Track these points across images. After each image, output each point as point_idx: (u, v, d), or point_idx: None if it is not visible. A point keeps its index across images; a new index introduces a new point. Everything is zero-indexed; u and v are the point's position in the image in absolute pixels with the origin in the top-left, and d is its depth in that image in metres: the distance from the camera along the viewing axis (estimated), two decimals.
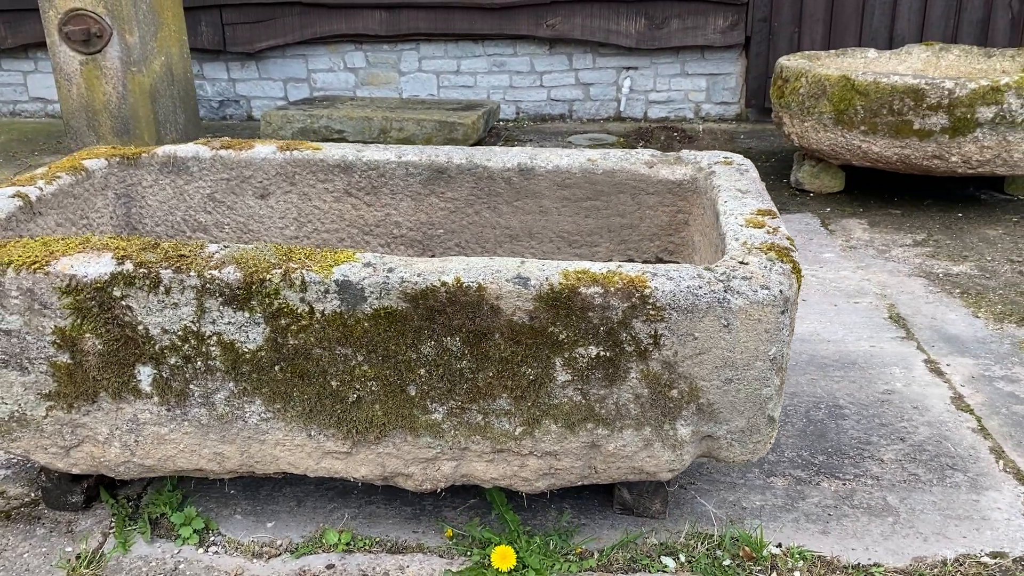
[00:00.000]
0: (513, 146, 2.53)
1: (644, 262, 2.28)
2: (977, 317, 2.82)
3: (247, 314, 1.58)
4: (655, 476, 1.67)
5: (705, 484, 1.99)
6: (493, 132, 5.37)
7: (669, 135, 5.30)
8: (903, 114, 3.58)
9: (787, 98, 4.02)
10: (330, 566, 1.76)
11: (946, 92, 3.48)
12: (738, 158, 2.18)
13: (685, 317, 1.51)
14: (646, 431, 1.61)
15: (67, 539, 1.85)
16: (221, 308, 1.58)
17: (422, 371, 1.60)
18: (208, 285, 1.57)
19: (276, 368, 1.62)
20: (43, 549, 1.83)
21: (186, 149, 2.31)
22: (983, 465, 2.04)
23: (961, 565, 1.73)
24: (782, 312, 1.53)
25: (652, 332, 1.53)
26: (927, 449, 2.11)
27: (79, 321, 1.62)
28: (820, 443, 2.14)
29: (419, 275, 1.54)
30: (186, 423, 1.69)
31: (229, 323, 1.59)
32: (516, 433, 1.63)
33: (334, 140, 4.89)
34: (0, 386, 1.70)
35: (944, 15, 5.25)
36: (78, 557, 1.79)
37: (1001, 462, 2.05)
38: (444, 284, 1.53)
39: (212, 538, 1.85)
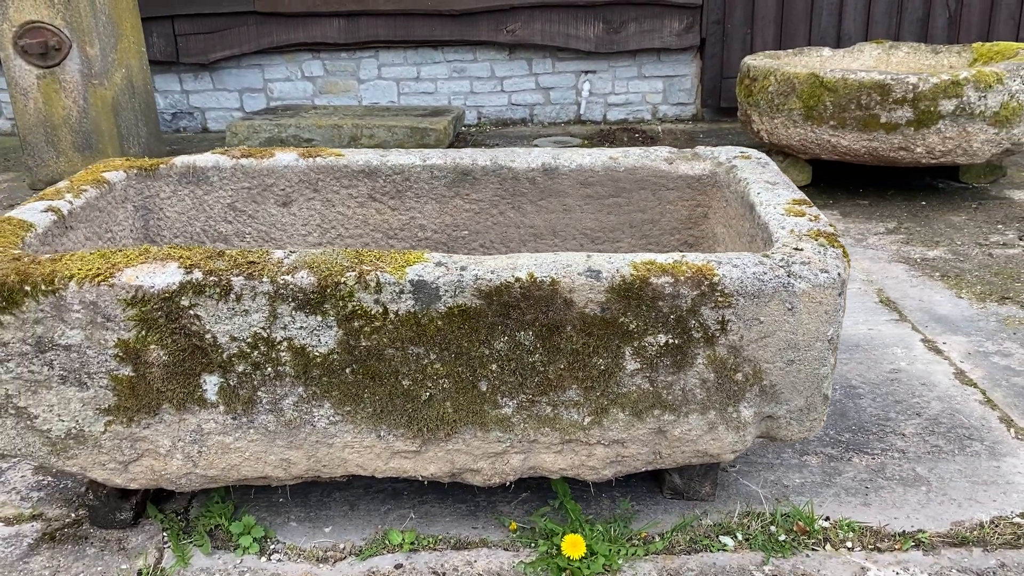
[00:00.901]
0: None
1: None
2: (960, 298, 2.98)
3: (319, 318, 1.59)
4: (718, 458, 1.73)
5: (744, 466, 2.07)
6: (461, 137, 5.41)
7: (631, 136, 5.41)
8: (870, 108, 3.75)
9: (755, 96, 4.16)
10: (398, 566, 1.78)
11: (910, 87, 3.66)
12: (755, 152, 2.27)
13: (752, 302, 1.58)
14: (711, 415, 1.68)
15: (121, 557, 1.82)
16: (293, 313, 1.59)
17: (494, 366, 1.63)
18: (281, 291, 1.57)
19: (347, 371, 1.63)
20: (98, 568, 1.79)
21: (205, 159, 2.29)
22: (997, 434, 2.17)
23: (996, 527, 1.84)
24: (839, 294, 1.61)
25: (720, 318, 1.59)
26: (943, 422, 2.23)
27: (143, 333, 1.60)
28: (843, 422, 2.24)
29: (492, 272, 1.58)
30: (252, 431, 1.69)
31: (301, 328, 1.60)
32: (584, 423, 1.68)
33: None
34: (58, 403, 1.66)
35: (887, 14, 5.50)
36: (139, 574, 1.76)
37: (1012, 430, 2.18)
38: (518, 280, 1.57)
39: (272, 546, 1.84)
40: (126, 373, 1.64)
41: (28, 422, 1.68)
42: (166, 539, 1.86)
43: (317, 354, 1.62)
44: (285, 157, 2.29)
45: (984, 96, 3.65)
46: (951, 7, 5.46)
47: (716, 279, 1.57)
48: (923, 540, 1.80)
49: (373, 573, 1.76)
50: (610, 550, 1.76)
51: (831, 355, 1.66)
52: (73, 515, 1.96)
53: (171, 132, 6.07)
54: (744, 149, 2.29)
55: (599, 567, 1.72)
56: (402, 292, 1.58)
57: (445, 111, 5.14)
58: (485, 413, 1.67)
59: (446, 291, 1.58)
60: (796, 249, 1.65)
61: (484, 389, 1.65)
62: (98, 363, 1.63)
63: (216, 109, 6.04)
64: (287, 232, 2.34)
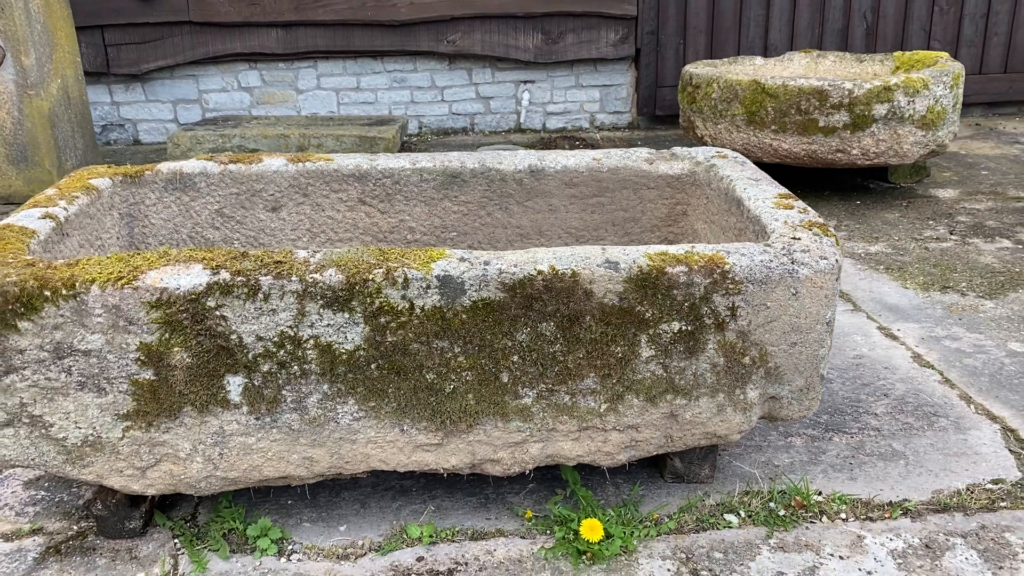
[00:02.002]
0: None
1: None
2: (906, 288, 3.18)
3: (346, 315, 1.62)
4: (726, 439, 1.83)
5: (735, 448, 2.17)
6: (405, 147, 5.43)
7: (572, 144, 5.53)
8: (809, 113, 3.96)
9: (699, 103, 4.33)
10: (420, 558, 1.81)
11: (846, 92, 3.88)
12: (731, 152, 2.39)
13: (760, 288, 1.68)
14: (720, 397, 1.77)
15: (134, 566, 1.80)
16: (321, 311, 1.61)
17: (515, 357, 1.69)
18: (310, 289, 1.59)
19: (372, 366, 1.66)
20: None
21: (192, 165, 2.27)
22: (959, 410, 2.33)
23: (972, 493, 1.99)
24: (836, 279, 1.73)
25: (730, 304, 1.69)
26: (909, 401, 2.38)
27: (167, 335, 1.59)
28: (819, 404, 2.37)
29: (515, 265, 1.63)
30: (275, 430, 1.70)
31: (328, 325, 1.62)
32: (601, 410, 1.75)
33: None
34: (74, 410, 1.64)
35: (810, 26, 5.78)
36: None
37: (972, 406, 2.35)
38: (540, 272, 1.63)
39: (289, 547, 1.84)
40: (147, 377, 1.62)
41: (43, 431, 1.65)
42: (179, 546, 1.85)
43: (343, 351, 1.64)
44: (274, 162, 2.30)
45: (913, 101, 3.90)
46: (868, 19, 5.78)
47: (727, 267, 1.66)
48: (910, 508, 1.94)
49: (396, 567, 1.79)
50: (623, 532, 1.83)
51: (828, 337, 1.78)
52: (75, 527, 1.92)
53: (102, 145, 5.90)
54: (720, 149, 2.41)
55: (616, 549, 1.79)
56: (428, 287, 1.62)
57: (390, 120, 5.16)
58: (506, 404, 1.72)
59: (471, 285, 1.63)
60: (794, 238, 1.77)
61: (505, 380, 1.70)
62: (118, 368, 1.61)
63: (148, 121, 5.90)
64: (276, 237, 2.34)
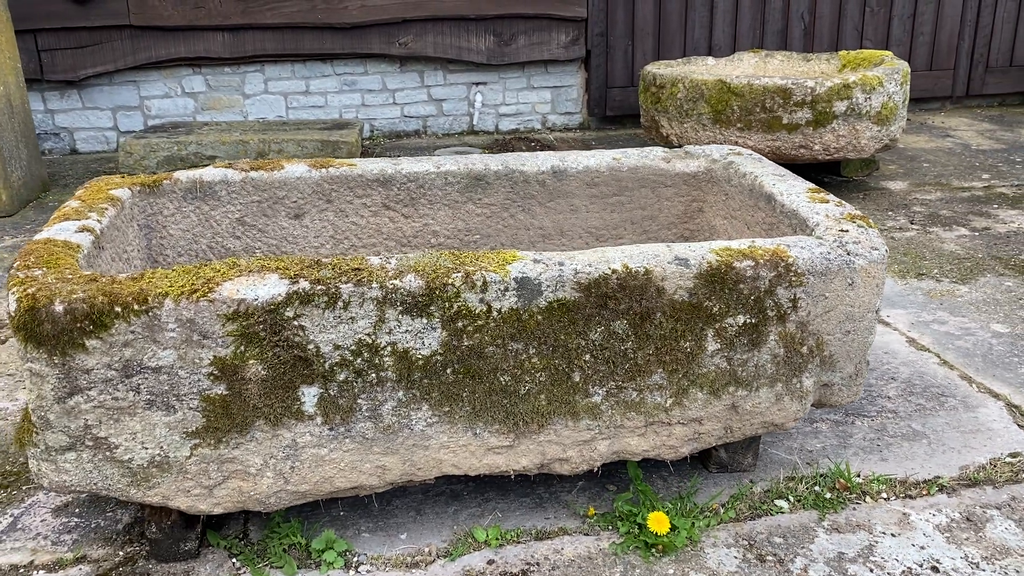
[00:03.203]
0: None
1: None
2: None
3: (424, 320, 1.60)
4: (783, 427, 1.88)
5: (767, 436, 2.24)
6: (365, 151, 5.36)
7: (528, 145, 5.57)
8: (774, 111, 4.09)
9: (664, 103, 4.42)
10: (490, 561, 1.80)
11: (809, 90, 4.03)
12: (745, 150, 2.46)
13: (820, 280, 1.74)
14: (778, 387, 1.83)
15: None
16: (400, 317, 1.59)
17: (587, 356, 1.70)
18: (390, 295, 1.57)
19: (448, 371, 1.65)
20: None
21: (213, 173, 2.20)
22: (963, 390, 2.46)
23: (995, 467, 2.10)
24: (885, 268, 1.80)
25: (792, 297, 1.74)
26: (916, 383, 2.50)
27: (242, 348, 1.55)
28: None
29: (590, 265, 1.65)
30: (348, 440, 1.67)
31: (406, 331, 1.60)
32: (667, 405, 1.78)
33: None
34: (142, 430, 1.58)
35: (751, 27, 5.97)
36: None
37: (974, 386, 2.48)
38: (614, 271, 1.65)
39: (355, 559, 1.81)
40: (219, 392, 1.57)
41: (107, 453, 1.58)
42: (239, 565, 1.79)
43: (419, 356, 1.63)
44: (296, 168, 2.25)
45: (869, 98, 4.08)
46: (805, 20, 6.01)
47: (791, 260, 1.72)
48: (944, 485, 2.04)
49: (468, 571, 1.78)
50: (684, 523, 1.87)
51: (876, 323, 1.85)
52: (121, 553, 1.84)
53: None
54: (733, 147, 2.48)
55: (683, 540, 1.83)
56: (506, 290, 1.62)
57: (348, 124, 5.09)
58: (576, 403, 1.74)
59: (548, 286, 1.63)
60: (842, 231, 1.84)
61: (577, 379, 1.72)
62: (189, 383, 1.56)
63: (86, 129, 5.66)
64: (299, 245, 2.29)
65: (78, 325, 1.48)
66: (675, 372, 1.75)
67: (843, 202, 2.01)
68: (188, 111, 5.72)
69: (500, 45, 5.77)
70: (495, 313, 1.63)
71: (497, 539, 1.86)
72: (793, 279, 1.72)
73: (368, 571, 1.78)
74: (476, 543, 1.85)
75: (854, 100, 4.06)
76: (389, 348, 1.61)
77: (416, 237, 2.35)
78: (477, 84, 5.94)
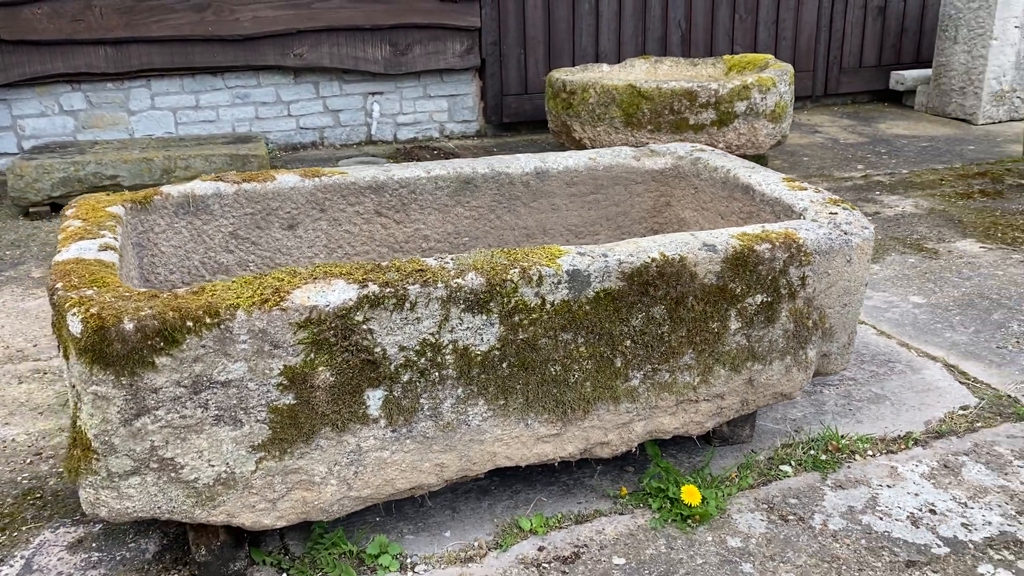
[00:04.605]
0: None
1: None
2: None
3: (484, 316, 1.65)
4: (790, 396, 2.05)
5: None
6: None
7: (431, 153, 5.61)
8: (681, 112, 4.34)
9: (576, 108, 4.59)
10: (540, 548, 1.86)
11: (713, 92, 4.30)
12: (707, 147, 2.63)
13: (824, 258, 1.91)
14: (787, 359, 1.99)
15: None
16: (462, 315, 1.63)
17: (628, 342, 1.80)
18: (454, 294, 1.61)
19: (504, 365, 1.71)
20: None
21: (204, 186, 2.15)
22: (905, 355, 2.73)
23: (952, 419, 2.36)
24: (872, 245, 2.00)
25: (802, 275, 1.91)
26: (864, 353, 2.75)
27: (312, 355, 1.55)
28: None
29: (631, 255, 1.75)
30: (409, 440, 1.69)
31: (467, 328, 1.65)
32: (695, 383, 1.90)
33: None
34: (208, 447, 1.54)
35: (634, 34, 6.26)
36: None
37: (913, 351, 2.76)
38: (653, 260, 1.76)
39: (408, 561, 1.83)
40: (287, 402, 1.56)
41: (172, 474, 1.53)
42: None
43: (478, 352, 1.68)
44: (289, 179, 2.22)
45: (765, 97, 4.40)
46: (682, 27, 6.37)
47: (800, 241, 1.88)
48: (917, 439, 2.27)
49: (522, 560, 1.83)
50: (710, 494, 2.00)
51: (865, 297, 2.05)
52: None
53: None
54: (695, 144, 2.65)
55: (713, 508, 1.95)
56: (559, 282, 1.69)
57: (252, 138, 4.97)
58: (616, 387, 1.83)
59: (596, 277, 1.72)
60: (832, 213, 2.02)
61: (619, 365, 1.81)
62: (259, 395, 1.54)
63: None
64: (292, 256, 2.26)
65: (149, 343, 1.43)
66: (703, 352, 1.88)
67: (820, 189, 2.21)
68: (67, 130, 5.40)
69: (396, 55, 5.79)
70: (548, 306, 1.70)
71: (542, 526, 1.92)
72: (803, 259, 1.89)
73: (425, 570, 1.80)
74: (522, 532, 1.91)
75: (752, 100, 4.37)
76: (451, 346, 1.65)
77: (408, 243, 2.37)
78: (374, 94, 5.93)
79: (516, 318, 1.68)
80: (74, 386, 1.48)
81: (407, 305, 1.58)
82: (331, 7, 5.56)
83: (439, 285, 1.60)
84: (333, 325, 1.54)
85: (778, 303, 1.91)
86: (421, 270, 1.61)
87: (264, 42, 5.49)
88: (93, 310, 1.42)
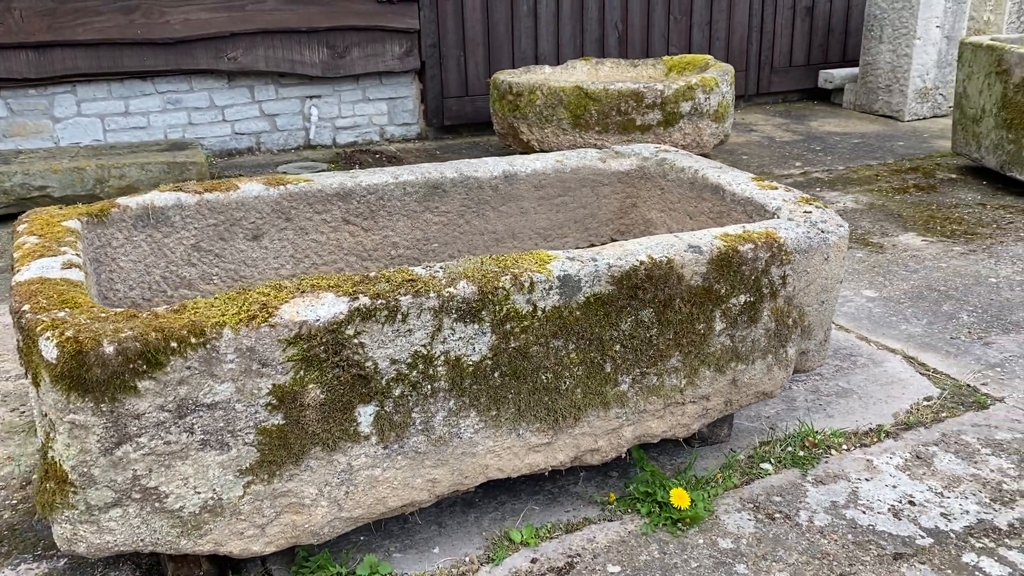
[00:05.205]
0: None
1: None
2: None
3: (476, 325, 1.61)
4: (772, 395, 2.06)
5: None
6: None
7: (374, 157, 5.52)
8: (628, 113, 4.36)
9: (523, 110, 4.57)
10: (533, 560, 1.83)
11: (659, 92, 4.33)
12: (672, 148, 2.63)
13: (803, 257, 1.93)
14: (769, 358, 2.00)
15: None
16: (454, 325, 1.59)
17: (617, 347, 1.78)
18: (446, 304, 1.56)
19: (495, 375, 1.67)
20: None
21: (164, 197, 2.04)
22: (866, 349, 2.79)
23: (919, 411, 2.41)
24: (847, 243, 2.03)
25: (782, 274, 1.92)
26: None
27: (302, 373, 1.48)
28: None
29: (620, 258, 1.73)
30: (400, 456, 1.63)
31: (459, 338, 1.60)
32: (682, 385, 1.90)
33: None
34: (194, 474, 1.46)
35: (572, 36, 6.28)
36: None
37: (872, 344, 2.82)
38: (642, 263, 1.74)
39: None
40: (275, 423, 1.49)
41: (156, 504, 1.45)
42: None
43: (470, 363, 1.63)
44: (253, 187, 2.14)
45: (709, 97, 4.45)
46: (619, 29, 6.41)
47: (781, 241, 1.89)
48: (887, 431, 2.31)
49: (516, 572, 1.79)
50: (698, 496, 2.00)
51: (839, 294, 2.07)
52: None
53: None
54: (660, 145, 2.65)
55: (702, 510, 1.95)
56: (550, 288, 1.66)
57: (187, 144, 4.80)
58: (606, 393, 1.81)
59: (586, 282, 1.69)
60: (806, 212, 2.04)
61: (608, 370, 1.79)
62: (246, 417, 1.47)
63: None
64: (258, 268, 2.18)
65: (130, 366, 1.35)
66: (689, 354, 1.87)
67: (791, 188, 2.23)
68: None
69: (334, 57, 5.67)
70: (539, 312, 1.66)
71: (533, 537, 1.88)
72: (784, 258, 1.90)
73: None
74: (513, 544, 1.87)
75: (697, 100, 4.42)
76: (443, 357, 1.60)
77: (376, 250, 2.30)
78: (312, 97, 5.80)
79: (508, 326, 1.64)
80: (46, 415, 1.38)
81: (399, 317, 1.53)
82: (266, 9, 5.42)
83: (431, 295, 1.55)
84: (324, 340, 1.48)
85: (760, 303, 1.91)
86: (411, 280, 1.56)
87: (196, 45, 5.32)
88: (69, 333, 1.33)
